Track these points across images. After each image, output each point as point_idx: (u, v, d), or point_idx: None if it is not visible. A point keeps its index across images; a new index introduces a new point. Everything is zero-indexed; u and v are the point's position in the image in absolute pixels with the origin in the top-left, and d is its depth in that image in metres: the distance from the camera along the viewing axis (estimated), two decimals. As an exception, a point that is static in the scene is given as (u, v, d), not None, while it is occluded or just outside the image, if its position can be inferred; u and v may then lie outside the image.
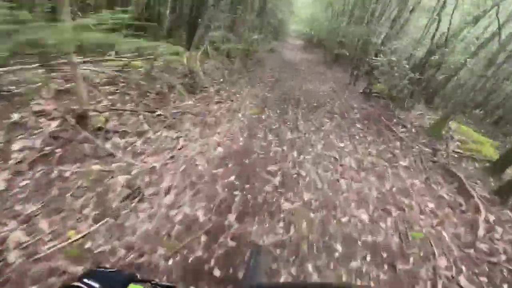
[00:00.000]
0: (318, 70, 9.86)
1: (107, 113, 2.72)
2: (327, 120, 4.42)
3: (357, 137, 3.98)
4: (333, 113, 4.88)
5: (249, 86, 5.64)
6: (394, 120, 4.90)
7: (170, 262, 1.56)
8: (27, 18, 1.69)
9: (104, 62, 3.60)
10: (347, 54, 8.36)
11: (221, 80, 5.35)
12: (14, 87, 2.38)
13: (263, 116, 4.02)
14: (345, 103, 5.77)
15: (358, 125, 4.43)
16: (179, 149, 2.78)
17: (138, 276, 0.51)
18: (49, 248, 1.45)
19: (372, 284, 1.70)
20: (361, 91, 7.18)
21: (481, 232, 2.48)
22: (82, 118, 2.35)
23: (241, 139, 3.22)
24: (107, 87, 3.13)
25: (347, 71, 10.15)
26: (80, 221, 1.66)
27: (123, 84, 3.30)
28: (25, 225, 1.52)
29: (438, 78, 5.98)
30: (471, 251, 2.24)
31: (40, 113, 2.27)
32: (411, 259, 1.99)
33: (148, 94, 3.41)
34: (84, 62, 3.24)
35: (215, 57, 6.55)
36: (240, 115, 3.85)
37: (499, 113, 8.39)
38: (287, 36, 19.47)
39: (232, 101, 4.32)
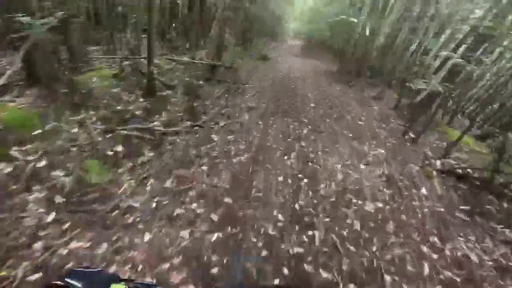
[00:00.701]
0: (336, 97, 5.92)
1: None
2: None
3: None
4: None
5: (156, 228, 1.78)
6: None
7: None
8: None
9: None
10: (441, 90, 4.35)
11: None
12: None
13: None
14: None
15: None
16: None
17: (120, 276, 0.47)
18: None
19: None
20: (439, 166, 3.32)
21: None
22: None
23: None
24: None
25: (381, 96, 6.26)
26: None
27: None
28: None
29: None
30: None
31: None
32: None
33: None
34: None
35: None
36: None
37: None
38: (285, 36, 16.68)
39: None
